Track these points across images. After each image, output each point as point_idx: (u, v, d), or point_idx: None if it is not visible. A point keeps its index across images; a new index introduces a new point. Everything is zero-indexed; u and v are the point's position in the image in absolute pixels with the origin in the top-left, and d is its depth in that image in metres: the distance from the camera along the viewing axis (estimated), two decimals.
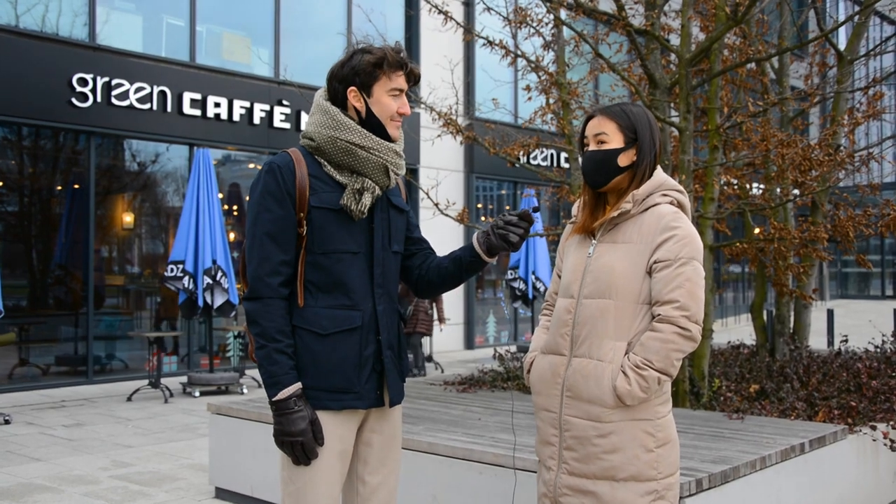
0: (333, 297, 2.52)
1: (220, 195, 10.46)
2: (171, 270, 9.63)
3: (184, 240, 9.68)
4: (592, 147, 2.71)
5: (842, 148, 7.25)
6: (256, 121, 12.57)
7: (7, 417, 8.23)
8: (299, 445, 2.42)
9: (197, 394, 9.96)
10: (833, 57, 8.64)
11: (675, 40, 7.31)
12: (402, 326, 2.72)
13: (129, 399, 9.65)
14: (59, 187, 11.56)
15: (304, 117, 13.09)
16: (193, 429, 7.91)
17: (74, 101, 10.69)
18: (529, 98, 7.35)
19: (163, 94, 11.54)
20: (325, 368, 2.48)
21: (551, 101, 7.01)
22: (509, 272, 13.38)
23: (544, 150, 16.14)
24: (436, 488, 4.18)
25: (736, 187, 7.62)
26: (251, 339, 2.51)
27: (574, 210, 2.88)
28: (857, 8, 7.70)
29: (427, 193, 6.56)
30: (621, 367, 2.54)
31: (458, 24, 6.67)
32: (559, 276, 2.86)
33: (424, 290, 2.79)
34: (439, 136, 7.08)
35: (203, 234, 9.68)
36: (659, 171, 2.72)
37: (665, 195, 2.67)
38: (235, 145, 12.67)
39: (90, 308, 11.05)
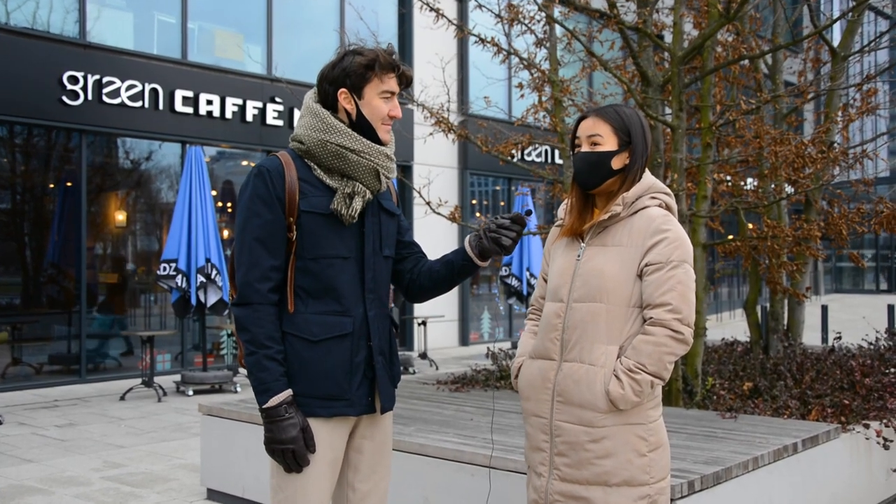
0: (324, 303, 2.49)
1: (213, 193, 10.41)
2: (164, 269, 9.59)
3: (176, 238, 9.64)
4: (585, 148, 2.69)
5: (835, 145, 7.25)
6: (249, 118, 12.52)
7: (0, 418, 8.22)
8: (290, 453, 2.40)
9: (190, 392, 9.93)
10: (827, 53, 8.64)
11: (667, 37, 7.30)
12: (394, 332, 2.70)
13: (122, 398, 9.62)
14: (52, 185, 11.51)
15: (297, 114, 13.02)
16: (186, 428, 7.89)
17: (65, 99, 10.63)
18: (522, 95, 7.33)
19: (154, 91, 11.49)
20: (315, 375, 2.46)
21: (544, 98, 6.99)
22: (503, 269, 13.39)
23: (538, 146, 16.13)
24: (427, 490, 4.16)
25: (730, 184, 7.62)
26: (240, 345, 2.49)
27: (560, 213, 2.86)
28: (851, 4, 7.68)
29: (419, 192, 6.54)
30: (614, 372, 2.53)
31: (450, 21, 6.65)
32: (545, 280, 2.83)
33: (416, 295, 2.77)
34: (431, 134, 7.06)
35: (196, 232, 9.64)
36: (647, 174, 2.71)
37: (654, 198, 2.66)
38: (228, 143, 12.62)
39: (83, 306, 11.01)
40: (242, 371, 11.00)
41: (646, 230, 2.57)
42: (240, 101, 12.41)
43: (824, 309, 12.64)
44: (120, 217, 12.13)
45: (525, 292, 13.29)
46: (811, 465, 4.40)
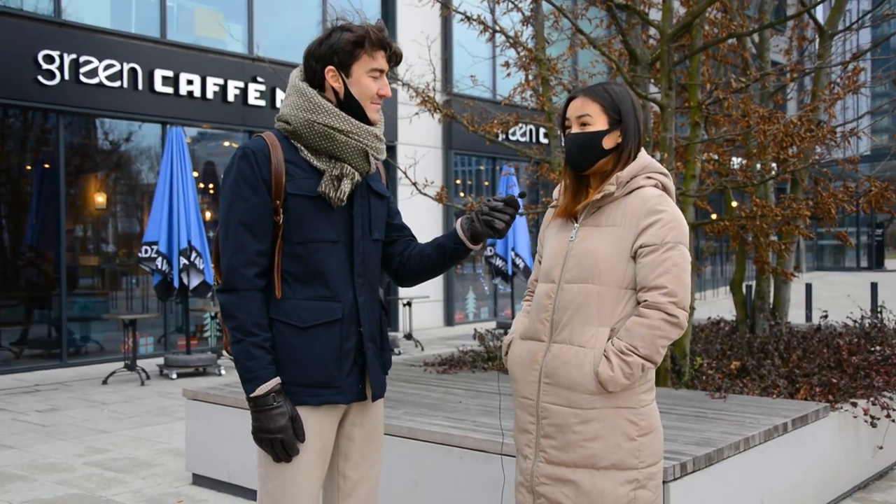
0: (312, 289, 2.42)
1: (195, 174, 10.28)
2: (146, 251, 9.47)
3: (157, 220, 9.52)
4: (575, 129, 2.62)
5: (822, 123, 7.22)
6: (231, 98, 12.37)
7: None
8: (279, 443, 2.33)
9: (174, 376, 9.85)
10: (813, 30, 8.59)
11: (655, 15, 7.23)
12: (385, 317, 2.63)
13: (104, 382, 9.52)
14: (29, 167, 11.33)
15: (280, 95, 12.90)
16: (170, 412, 7.81)
17: (41, 78, 10.44)
18: (508, 74, 7.25)
19: (133, 71, 11.31)
20: (304, 363, 2.39)
21: (531, 77, 6.91)
22: (488, 249, 13.35)
23: (523, 125, 16.04)
24: (416, 474, 4.12)
25: (717, 163, 7.58)
26: (226, 333, 2.41)
27: (555, 194, 2.80)
28: None
29: (405, 172, 6.46)
30: (604, 353, 2.47)
31: None
32: (540, 262, 2.78)
33: (405, 279, 2.70)
34: (417, 114, 6.97)
35: (177, 214, 9.52)
36: (643, 154, 2.65)
37: (649, 178, 2.60)
38: (209, 123, 12.46)
39: (63, 289, 10.88)
40: (227, 355, 10.89)
41: (640, 210, 2.51)
42: (221, 81, 12.25)
43: (808, 287, 12.70)
44: (100, 199, 11.97)
45: (510, 272, 13.27)
46: (801, 444, 4.39)
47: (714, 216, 8.12)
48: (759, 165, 7.34)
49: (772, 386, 5.16)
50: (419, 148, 13.44)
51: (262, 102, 12.72)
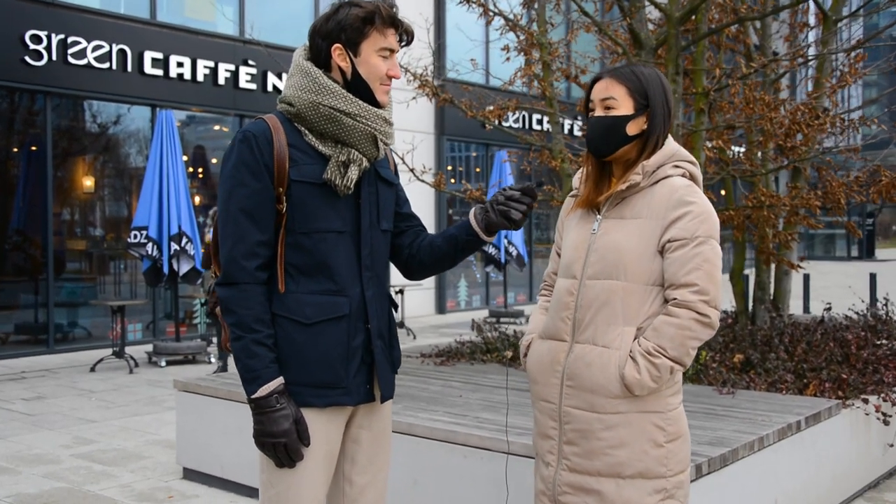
0: (317, 282, 2.25)
1: (185, 158, 10.08)
2: (135, 237, 9.28)
3: (147, 205, 9.33)
4: (599, 112, 2.46)
5: (827, 111, 7.08)
6: (221, 81, 12.14)
7: None
8: (282, 447, 2.17)
9: (163, 363, 9.67)
10: (815, 17, 8.45)
11: None
12: (394, 313, 2.47)
13: (92, 369, 9.34)
14: (15, 149, 11.09)
15: (272, 77, 12.69)
16: (160, 401, 7.64)
17: (28, 59, 10.20)
18: (508, 59, 7.07)
19: (122, 52, 11.07)
20: (308, 361, 2.22)
21: (532, 61, 6.73)
22: None
23: (515, 112, 15.86)
24: (416, 472, 3.97)
25: (715, 151, 7.43)
26: (225, 329, 2.25)
27: (575, 182, 2.63)
28: None
29: (402, 159, 6.29)
30: (630, 354, 2.32)
31: None
32: (559, 255, 2.62)
33: (415, 271, 2.53)
34: (414, 98, 6.79)
35: (167, 199, 9.32)
36: (670, 141, 2.48)
37: (677, 167, 2.44)
38: (200, 106, 12.23)
39: (50, 274, 10.67)
40: (224, 353, 10.78)
41: (668, 202, 2.36)
42: (211, 64, 12.02)
43: (806, 278, 12.58)
44: (88, 183, 11.75)
45: (503, 260, 13.13)
46: (814, 442, 4.27)
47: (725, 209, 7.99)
48: (760, 154, 7.20)
49: (779, 381, 5.02)
50: (412, 134, 13.24)
51: (252, 86, 12.50)
